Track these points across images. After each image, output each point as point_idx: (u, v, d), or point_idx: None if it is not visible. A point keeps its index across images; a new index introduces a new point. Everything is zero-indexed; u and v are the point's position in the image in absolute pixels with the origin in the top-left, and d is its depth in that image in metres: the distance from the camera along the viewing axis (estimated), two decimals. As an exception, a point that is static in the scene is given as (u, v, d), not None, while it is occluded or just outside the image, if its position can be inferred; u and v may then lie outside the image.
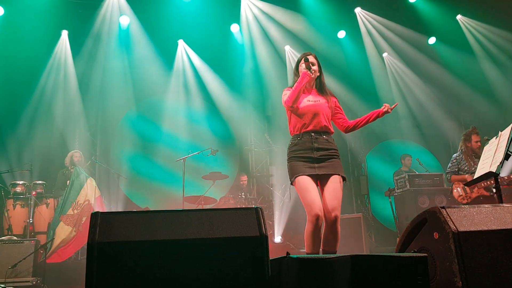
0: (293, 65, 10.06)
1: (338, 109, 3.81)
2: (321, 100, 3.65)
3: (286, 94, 3.67)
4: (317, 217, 3.30)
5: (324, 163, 3.48)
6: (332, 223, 3.38)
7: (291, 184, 3.54)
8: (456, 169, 6.24)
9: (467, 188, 6.07)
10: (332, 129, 3.66)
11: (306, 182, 3.39)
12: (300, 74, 3.66)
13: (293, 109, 3.59)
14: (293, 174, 3.49)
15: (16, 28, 8.02)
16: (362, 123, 3.72)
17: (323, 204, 3.41)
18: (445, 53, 9.75)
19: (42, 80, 8.66)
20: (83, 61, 8.98)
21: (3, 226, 6.60)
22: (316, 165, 3.46)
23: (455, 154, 6.38)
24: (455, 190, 6.19)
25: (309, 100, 3.62)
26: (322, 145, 3.51)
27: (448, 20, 9.35)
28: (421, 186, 7.49)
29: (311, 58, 3.73)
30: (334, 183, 3.46)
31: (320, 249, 3.49)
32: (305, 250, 3.56)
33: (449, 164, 6.36)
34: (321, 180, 3.51)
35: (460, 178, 6.14)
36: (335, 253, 3.45)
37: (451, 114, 10.39)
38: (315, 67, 3.71)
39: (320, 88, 3.74)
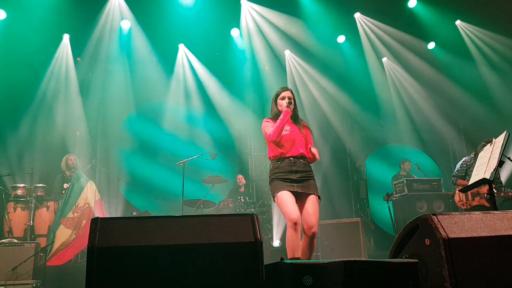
0: (293, 70, 10.12)
1: (308, 140, 4.14)
2: (296, 129, 4.07)
3: (267, 126, 4.09)
4: (296, 223, 3.69)
5: (302, 184, 3.91)
6: (310, 238, 3.77)
7: (273, 200, 3.96)
8: (464, 174, 6.15)
9: (469, 195, 6.02)
10: (307, 154, 4.05)
11: (285, 195, 3.81)
12: (279, 108, 4.09)
13: (276, 141, 3.99)
14: (275, 191, 3.90)
15: (18, 32, 8.08)
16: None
17: (304, 221, 3.81)
18: (444, 58, 9.78)
19: (43, 83, 8.71)
20: (84, 64, 9.05)
21: (4, 228, 6.65)
22: (295, 184, 3.88)
23: (466, 158, 6.25)
24: (457, 195, 6.15)
25: (287, 130, 4.01)
26: (299, 168, 3.94)
27: (447, 26, 9.38)
28: (419, 191, 7.51)
29: (289, 94, 4.10)
30: (312, 202, 3.86)
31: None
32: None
33: (457, 167, 6.22)
34: (300, 198, 3.90)
35: (466, 183, 6.05)
36: None
37: (449, 119, 10.44)
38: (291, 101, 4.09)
39: (295, 119, 4.14)
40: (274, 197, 3.92)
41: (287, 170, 3.91)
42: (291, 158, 3.96)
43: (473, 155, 6.24)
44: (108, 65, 9.14)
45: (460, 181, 6.14)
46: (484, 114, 9.53)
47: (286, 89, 4.16)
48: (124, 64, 9.23)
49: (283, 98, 4.08)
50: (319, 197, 3.94)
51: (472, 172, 6.00)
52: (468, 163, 6.14)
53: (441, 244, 2.32)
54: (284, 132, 3.99)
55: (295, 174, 3.90)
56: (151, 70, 9.42)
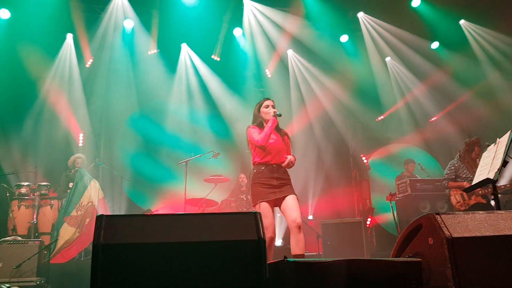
0: (295, 69, 10.10)
1: (288, 148, 4.54)
2: (279, 138, 4.44)
3: (254, 132, 4.40)
4: (271, 239, 4.13)
5: (282, 188, 4.26)
6: (297, 230, 4.05)
7: (254, 205, 4.30)
8: (453, 176, 6.22)
9: (465, 195, 6.07)
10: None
11: (265, 208, 4.16)
12: (263, 116, 4.45)
13: (263, 147, 4.31)
14: (257, 199, 4.24)
15: (22, 31, 8.12)
16: None
17: (287, 217, 4.16)
18: (448, 58, 9.77)
19: (47, 82, 8.75)
20: (88, 63, 9.10)
21: (8, 226, 6.68)
22: (277, 190, 4.23)
23: (452, 161, 6.35)
24: (452, 197, 6.20)
25: (273, 139, 4.37)
26: (281, 175, 4.31)
27: (451, 25, 9.36)
28: (422, 191, 7.49)
29: (272, 103, 4.49)
30: (293, 200, 4.21)
31: (292, 254, 4.11)
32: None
33: (447, 171, 6.32)
34: (279, 201, 4.25)
35: (458, 185, 6.13)
36: (303, 256, 4.07)
37: (453, 119, 10.41)
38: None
39: (278, 128, 4.49)
40: (255, 204, 4.26)
41: (270, 176, 4.27)
42: (274, 165, 4.31)
43: (458, 157, 6.31)
44: (112, 64, 9.16)
45: (451, 184, 6.22)
46: (488, 113, 9.50)
47: (268, 99, 4.56)
48: (127, 64, 9.25)
49: (266, 107, 4.45)
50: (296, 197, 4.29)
51: (462, 174, 6.12)
52: (456, 165, 6.25)
53: (444, 243, 2.32)
54: (270, 140, 4.33)
55: (276, 180, 4.26)
56: (154, 69, 9.44)
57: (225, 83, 9.89)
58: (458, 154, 6.36)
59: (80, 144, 8.81)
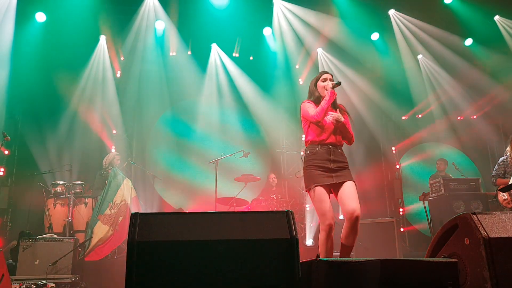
0: (325, 68, 10.03)
1: (348, 126, 4.01)
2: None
3: (309, 107, 3.93)
4: (330, 227, 3.65)
5: (339, 173, 3.77)
6: (354, 222, 3.59)
7: (307, 190, 3.83)
8: (502, 172, 6.03)
9: None
10: (343, 142, 4.00)
11: (321, 193, 3.71)
12: (319, 90, 3.99)
13: (319, 123, 3.85)
14: (310, 182, 3.78)
15: (57, 34, 8.33)
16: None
17: (344, 206, 3.67)
18: (482, 55, 9.51)
19: (81, 83, 8.98)
20: (120, 64, 9.28)
21: (44, 224, 6.88)
22: (333, 174, 3.75)
23: (502, 158, 6.18)
24: (500, 194, 6.01)
25: (330, 115, 3.89)
26: (337, 158, 3.83)
27: (485, 21, 9.10)
28: (456, 191, 7.33)
29: (330, 76, 4.02)
30: (351, 187, 3.73)
31: (341, 242, 3.72)
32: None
33: (495, 167, 6.16)
34: (336, 187, 3.78)
35: (506, 182, 5.93)
36: (352, 247, 3.71)
37: (488, 117, 10.14)
38: None
39: (335, 105, 4.01)
40: (309, 188, 3.78)
41: (325, 158, 3.79)
42: (330, 146, 3.84)
43: (506, 155, 6.11)
44: (143, 65, 9.32)
45: (499, 180, 6.03)
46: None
47: (326, 72, 4.08)
48: (159, 64, 9.40)
49: (324, 80, 3.98)
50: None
51: (511, 170, 5.91)
52: (505, 161, 6.05)
53: (481, 244, 2.26)
54: (327, 116, 3.87)
55: (332, 163, 3.78)
56: (185, 69, 9.55)
57: (254, 82, 9.91)
58: (506, 151, 6.16)
59: (113, 145, 9.01)
